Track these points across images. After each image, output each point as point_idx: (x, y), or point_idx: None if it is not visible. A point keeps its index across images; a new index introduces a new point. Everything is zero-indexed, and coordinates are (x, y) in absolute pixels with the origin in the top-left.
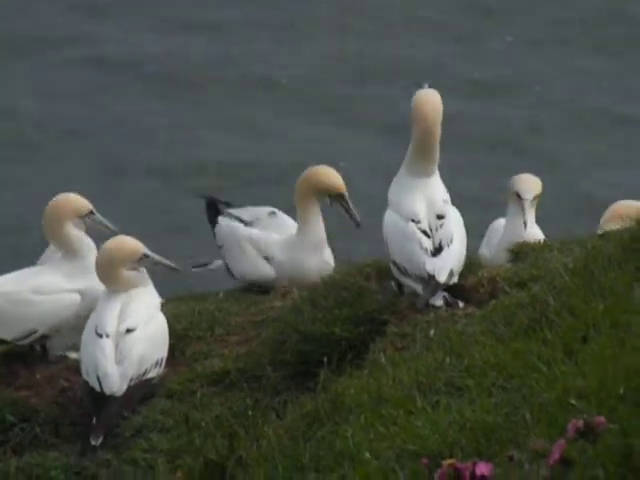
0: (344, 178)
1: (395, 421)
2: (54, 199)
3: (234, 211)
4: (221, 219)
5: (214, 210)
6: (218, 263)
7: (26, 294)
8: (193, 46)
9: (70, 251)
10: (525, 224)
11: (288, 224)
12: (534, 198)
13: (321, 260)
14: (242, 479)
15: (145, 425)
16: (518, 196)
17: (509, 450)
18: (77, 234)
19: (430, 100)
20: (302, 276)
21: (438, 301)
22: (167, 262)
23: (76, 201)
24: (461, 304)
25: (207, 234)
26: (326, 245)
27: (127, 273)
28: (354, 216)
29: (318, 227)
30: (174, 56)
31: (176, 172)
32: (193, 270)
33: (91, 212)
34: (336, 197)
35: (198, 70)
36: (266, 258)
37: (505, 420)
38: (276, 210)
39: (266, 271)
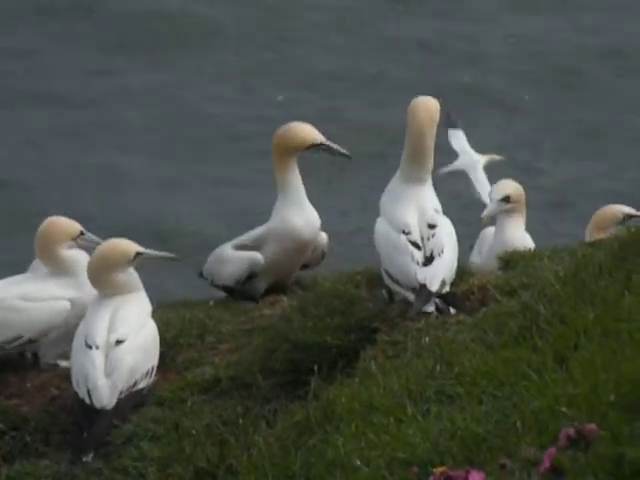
0: None
1: (386, 429)
2: (44, 224)
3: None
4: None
5: None
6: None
7: (13, 300)
8: None
9: (63, 270)
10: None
11: None
12: (504, 199)
13: (307, 214)
14: None
15: (136, 433)
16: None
17: (500, 458)
18: (69, 255)
19: (425, 106)
20: (293, 234)
21: (430, 307)
22: (164, 254)
23: (66, 225)
24: (452, 311)
25: None
26: (308, 202)
27: (120, 277)
28: (341, 152)
29: (297, 184)
30: None
31: None
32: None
33: (81, 233)
34: (315, 147)
35: None
36: (254, 242)
37: (496, 428)
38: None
39: (251, 255)
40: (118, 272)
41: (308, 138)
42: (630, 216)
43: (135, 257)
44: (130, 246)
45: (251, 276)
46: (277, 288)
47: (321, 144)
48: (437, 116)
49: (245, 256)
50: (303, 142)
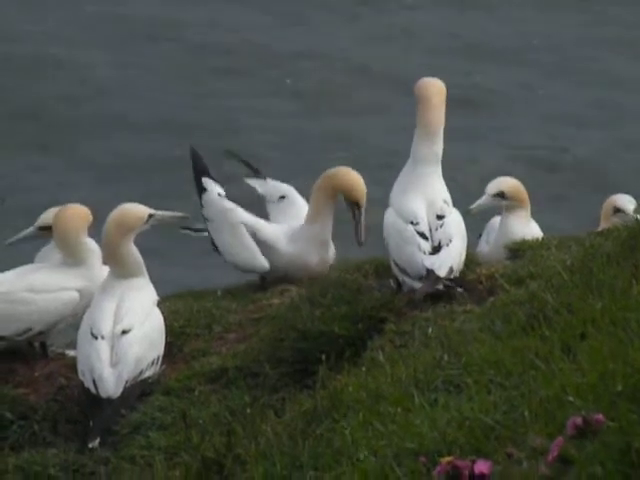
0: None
1: (393, 419)
2: (67, 211)
3: (252, 181)
4: (209, 187)
5: (200, 168)
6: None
7: (23, 293)
8: None
9: (78, 259)
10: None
11: (296, 210)
12: (498, 195)
13: (323, 256)
14: (240, 477)
15: (143, 422)
16: (619, 211)
17: (508, 448)
18: (87, 243)
19: (434, 83)
20: (304, 269)
21: (438, 285)
22: (174, 214)
23: (86, 212)
24: (460, 289)
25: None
26: (330, 243)
27: (130, 250)
28: (360, 233)
29: (328, 224)
30: None
31: None
32: (181, 231)
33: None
34: (352, 204)
35: None
36: (265, 247)
37: (503, 418)
38: (288, 192)
39: (263, 264)
40: (129, 241)
41: (359, 196)
42: (617, 210)
43: (148, 219)
44: (142, 208)
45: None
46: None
47: (358, 209)
48: (445, 93)
49: (256, 259)
50: (352, 197)
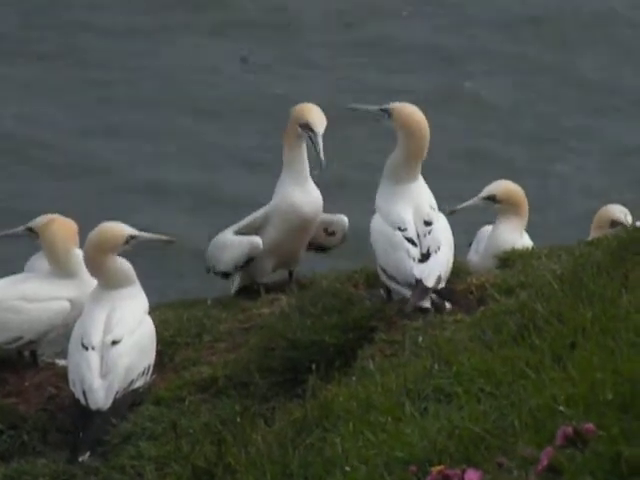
0: None
1: (384, 428)
2: (55, 224)
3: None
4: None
5: None
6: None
7: (14, 301)
8: None
9: (66, 270)
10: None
11: None
12: (488, 198)
13: (309, 195)
14: None
15: (133, 432)
16: (617, 223)
17: (498, 457)
18: (76, 255)
19: (416, 110)
20: (295, 212)
21: (426, 302)
22: (159, 237)
23: (73, 225)
24: (448, 305)
25: None
26: (311, 181)
27: (116, 264)
28: (320, 154)
29: (303, 164)
30: None
31: None
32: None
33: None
34: (308, 130)
35: None
36: (257, 223)
37: (493, 427)
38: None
39: (250, 239)
40: (113, 257)
41: (305, 116)
42: (617, 223)
43: (128, 240)
44: (122, 229)
45: (250, 259)
46: (285, 268)
47: (313, 133)
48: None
49: (245, 240)
50: (302, 118)
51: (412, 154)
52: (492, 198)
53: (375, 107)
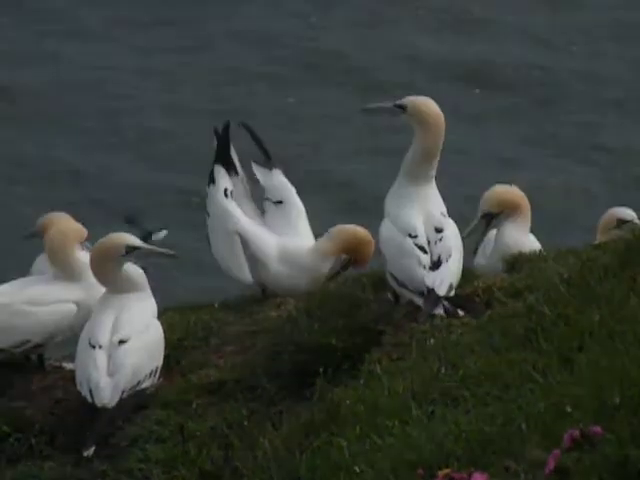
0: None
1: (391, 431)
2: (56, 226)
3: (258, 169)
4: (218, 181)
5: (221, 150)
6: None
7: (21, 305)
8: None
9: (71, 272)
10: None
11: (291, 219)
12: (484, 217)
13: (314, 281)
14: None
15: (141, 435)
16: (623, 222)
17: (505, 460)
18: (79, 257)
19: (435, 105)
20: (291, 291)
21: (439, 310)
22: (161, 250)
23: (77, 227)
24: (461, 313)
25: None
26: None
27: (119, 271)
28: (336, 277)
29: (325, 265)
30: None
31: None
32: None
33: (87, 238)
34: (352, 262)
35: None
36: (255, 261)
37: (501, 430)
38: (286, 200)
39: (245, 276)
40: (117, 265)
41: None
42: (623, 221)
43: (128, 251)
44: (122, 239)
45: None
46: None
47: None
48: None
49: (240, 275)
50: (359, 254)
51: (428, 149)
52: (490, 215)
53: (389, 103)
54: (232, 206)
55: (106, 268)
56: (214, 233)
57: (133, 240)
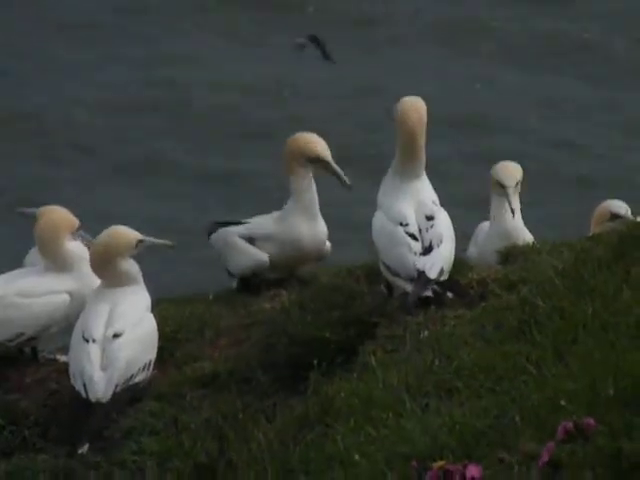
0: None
1: (385, 424)
2: (45, 216)
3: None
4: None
5: (213, 230)
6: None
7: (13, 297)
8: None
9: (62, 263)
10: (513, 212)
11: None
12: (516, 184)
13: (314, 229)
14: None
15: (134, 427)
16: (500, 185)
17: (499, 452)
18: (70, 247)
19: (414, 107)
20: (297, 245)
21: (427, 292)
22: (161, 242)
23: (68, 217)
24: (450, 295)
25: None
26: (319, 214)
27: (123, 266)
28: (341, 178)
29: (308, 195)
30: None
31: None
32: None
33: (79, 227)
34: (318, 163)
35: None
36: (259, 240)
37: (495, 422)
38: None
39: (260, 256)
40: (122, 260)
41: (314, 150)
42: (616, 216)
43: (137, 245)
44: (132, 234)
45: (255, 273)
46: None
47: (325, 163)
48: (425, 115)
49: (253, 255)
50: (309, 153)
51: (404, 149)
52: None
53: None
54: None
55: (112, 263)
56: (225, 255)
57: (139, 234)
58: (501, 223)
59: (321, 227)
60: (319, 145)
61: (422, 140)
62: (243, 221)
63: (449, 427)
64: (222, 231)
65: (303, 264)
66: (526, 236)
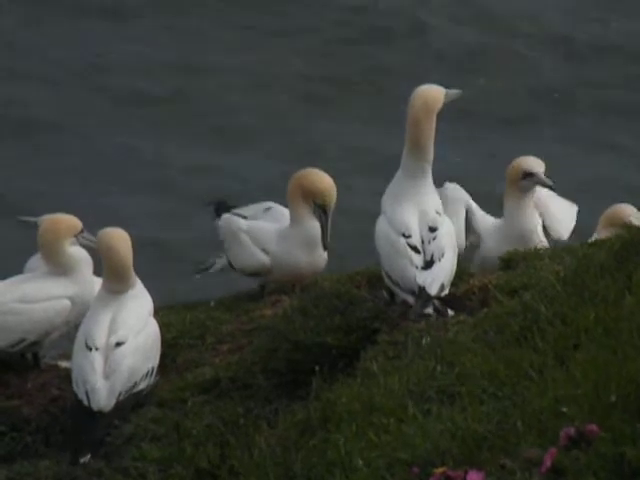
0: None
1: (387, 429)
2: (48, 220)
3: (238, 210)
4: (223, 216)
5: (221, 210)
6: (218, 266)
7: (14, 303)
8: None
9: (64, 268)
10: (552, 187)
11: (285, 217)
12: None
13: (313, 257)
14: None
15: (136, 434)
16: (529, 174)
17: (501, 458)
18: (73, 252)
19: (423, 94)
20: (293, 270)
21: (428, 309)
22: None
23: (70, 221)
24: (451, 312)
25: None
26: (318, 244)
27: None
28: (325, 236)
29: (309, 225)
30: None
31: None
32: (197, 277)
33: (81, 230)
34: (318, 206)
35: None
36: (263, 249)
37: (497, 428)
38: (273, 205)
39: (262, 259)
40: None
41: (321, 198)
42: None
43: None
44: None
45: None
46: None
47: (323, 211)
48: (435, 104)
49: (256, 255)
50: (314, 195)
51: (410, 139)
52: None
53: None
54: (235, 217)
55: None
56: (230, 247)
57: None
58: (517, 224)
59: (319, 256)
60: (330, 195)
61: (427, 130)
62: (248, 216)
63: (451, 433)
64: (233, 219)
65: (299, 282)
66: (542, 237)
